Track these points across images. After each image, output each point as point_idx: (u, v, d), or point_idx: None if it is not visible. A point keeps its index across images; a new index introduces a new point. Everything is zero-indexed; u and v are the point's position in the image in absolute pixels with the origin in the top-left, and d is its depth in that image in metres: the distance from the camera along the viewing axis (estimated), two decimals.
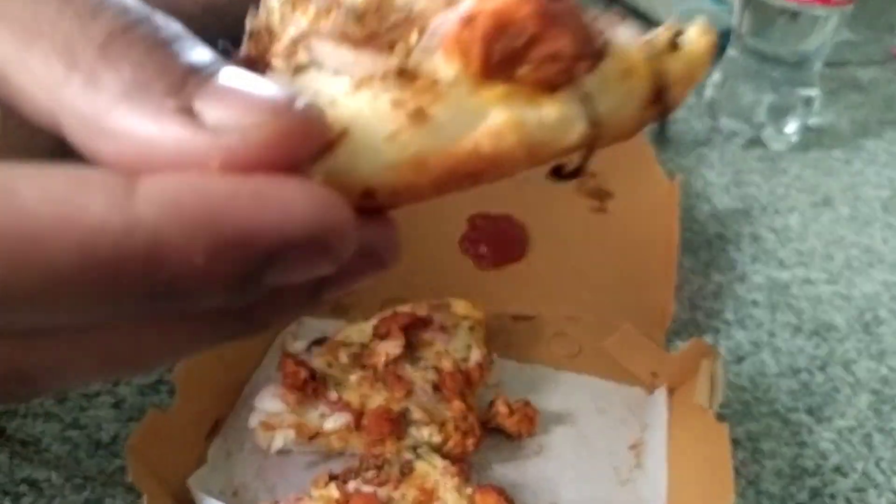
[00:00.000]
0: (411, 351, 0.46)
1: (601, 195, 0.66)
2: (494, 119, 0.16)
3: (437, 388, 0.44)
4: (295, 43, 0.17)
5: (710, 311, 0.58)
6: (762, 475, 0.46)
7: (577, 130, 0.17)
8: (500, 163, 0.16)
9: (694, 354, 0.47)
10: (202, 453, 0.42)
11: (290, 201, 0.15)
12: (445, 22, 0.16)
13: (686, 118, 0.82)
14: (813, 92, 0.75)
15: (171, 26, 0.16)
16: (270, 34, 0.17)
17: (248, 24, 0.18)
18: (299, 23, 0.17)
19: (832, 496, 0.46)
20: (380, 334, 0.46)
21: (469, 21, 0.16)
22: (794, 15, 0.70)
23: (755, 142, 0.78)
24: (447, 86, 0.16)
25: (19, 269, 0.14)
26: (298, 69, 0.17)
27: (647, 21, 1.00)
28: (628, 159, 0.70)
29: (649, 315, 0.54)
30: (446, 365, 0.45)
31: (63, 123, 0.16)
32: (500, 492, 0.39)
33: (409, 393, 0.43)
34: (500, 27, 0.16)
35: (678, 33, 0.19)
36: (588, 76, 0.17)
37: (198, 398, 0.43)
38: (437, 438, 0.42)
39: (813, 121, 0.80)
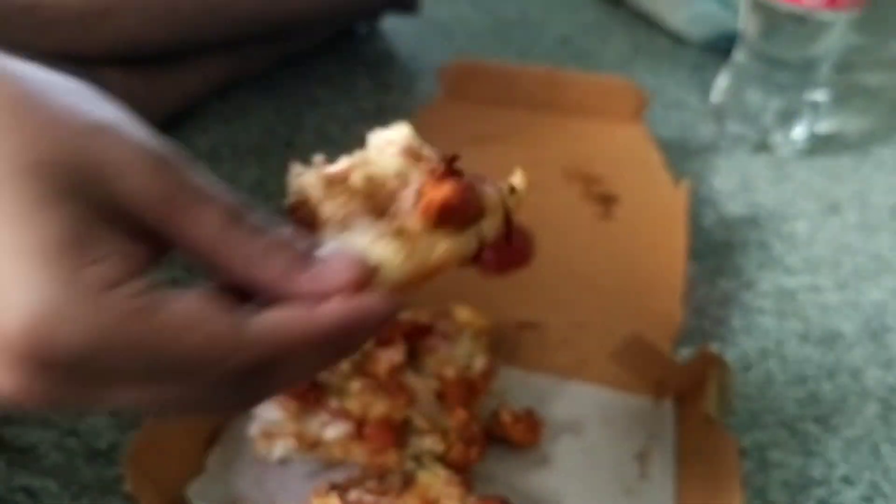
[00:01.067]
0: (413, 359, 0.45)
1: (607, 200, 0.66)
2: (441, 247, 0.29)
3: (439, 396, 0.44)
4: (339, 216, 0.29)
5: (716, 319, 0.57)
6: (769, 485, 0.46)
7: (474, 245, 0.30)
8: (446, 267, 0.29)
9: (701, 363, 0.47)
10: (201, 462, 0.42)
11: (376, 306, 0.27)
12: (408, 199, 0.29)
13: (693, 123, 0.81)
14: (820, 97, 0.75)
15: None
16: (310, 207, 0.30)
17: (289, 199, 0.31)
18: (333, 205, 0.29)
19: None
20: (381, 342, 0.45)
21: (427, 205, 0.29)
22: (802, 19, 0.69)
23: (762, 147, 0.77)
24: (416, 232, 0.29)
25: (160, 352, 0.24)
26: (342, 228, 0.29)
27: (650, 24, 0.99)
28: (635, 163, 0.69)
29: (656, 323, 0.54)
30: (449, 373, 0.45)
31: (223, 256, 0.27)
32: (505, 503, 0.39)
33: (411, 401, 0.43)
34: (445, 207, 0.29)
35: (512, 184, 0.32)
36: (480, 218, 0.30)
37: None
38: (439, 448, 0.42)
39: (820, 126, 0.80)
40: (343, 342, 0.28)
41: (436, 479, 0.39)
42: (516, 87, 0.74)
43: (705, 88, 0.87)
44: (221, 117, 0.72)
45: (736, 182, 0.73)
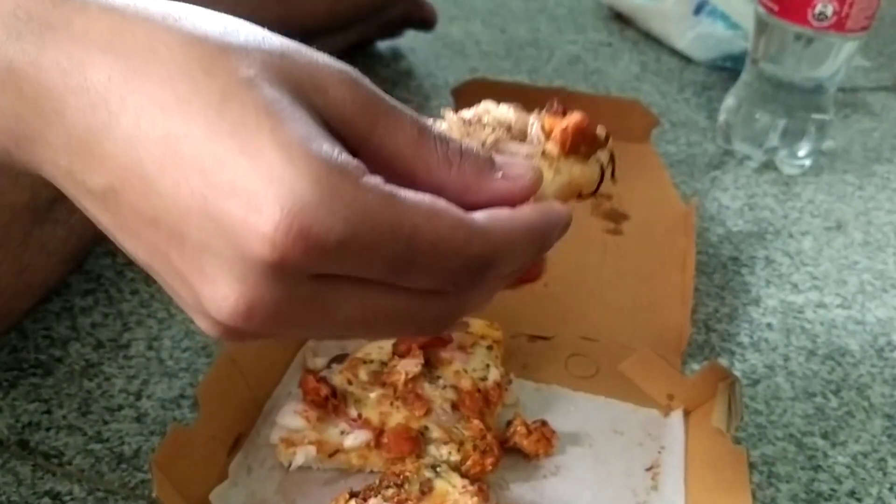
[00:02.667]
0: (430, 370, 0.46)
1: (617, 217, 0.67)
2: (576, 170, 0.32)
3: (455, 407, 0.45)
4: (489, 143, 0.32)
5: (724, 334, 0.58)
6: (778, 499, 0.46)
7: (597, 173, 0.33)
8: (579, 189, 0.33)
9: (710, 377, 0.47)
10: (224, 469, 0.42)
11: (563, 211, 0.30)
12: (537, 134, 0.33)
13: (700, 141, 0.82)
14: (826, 117, 0.76)
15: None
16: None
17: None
18: (482, 135, 0.32)
19: None
20: (399, 353, 0.46)
21: (565, 130, 0.32)
22: (809, 41, 0.70)
23: (768, 166, 0.78)
24: (555, 156, 0.32)
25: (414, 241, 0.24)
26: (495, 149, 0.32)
27: (658, 44, 1.00)
28: (643, 181, 0.70)
29: (665, 337, 0.55)
30: (465, 384, 0.45)
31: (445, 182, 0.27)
32: None
33: (428, 411, 0.44)
34: (579, 130, 0.32)
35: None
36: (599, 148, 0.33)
37: (220, 414, 0.43)
38: (456, 457, 0.42)
39: (826, 145, 0.81)
40: (541, 242, 0.29)
41: (452, 488, 0.40)
42: (528, 105, 0.75)
43: (712, 108, 0.88)
44: None
45: (743, 200, 0.74)
